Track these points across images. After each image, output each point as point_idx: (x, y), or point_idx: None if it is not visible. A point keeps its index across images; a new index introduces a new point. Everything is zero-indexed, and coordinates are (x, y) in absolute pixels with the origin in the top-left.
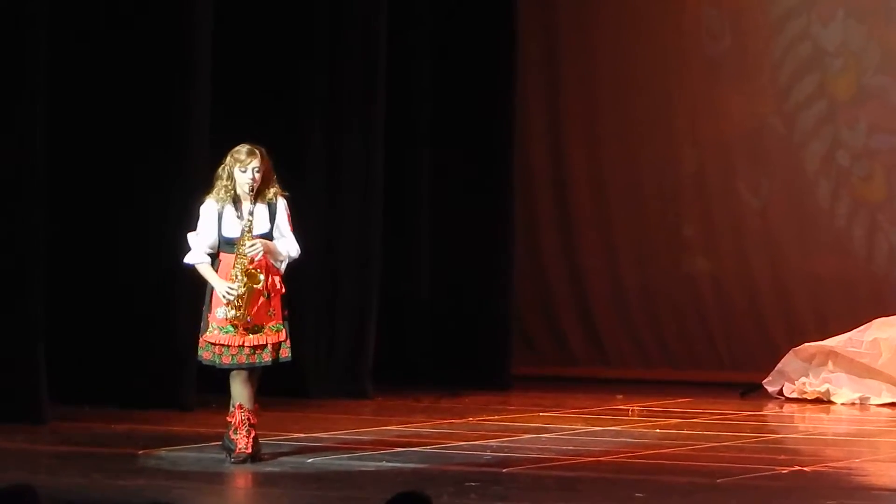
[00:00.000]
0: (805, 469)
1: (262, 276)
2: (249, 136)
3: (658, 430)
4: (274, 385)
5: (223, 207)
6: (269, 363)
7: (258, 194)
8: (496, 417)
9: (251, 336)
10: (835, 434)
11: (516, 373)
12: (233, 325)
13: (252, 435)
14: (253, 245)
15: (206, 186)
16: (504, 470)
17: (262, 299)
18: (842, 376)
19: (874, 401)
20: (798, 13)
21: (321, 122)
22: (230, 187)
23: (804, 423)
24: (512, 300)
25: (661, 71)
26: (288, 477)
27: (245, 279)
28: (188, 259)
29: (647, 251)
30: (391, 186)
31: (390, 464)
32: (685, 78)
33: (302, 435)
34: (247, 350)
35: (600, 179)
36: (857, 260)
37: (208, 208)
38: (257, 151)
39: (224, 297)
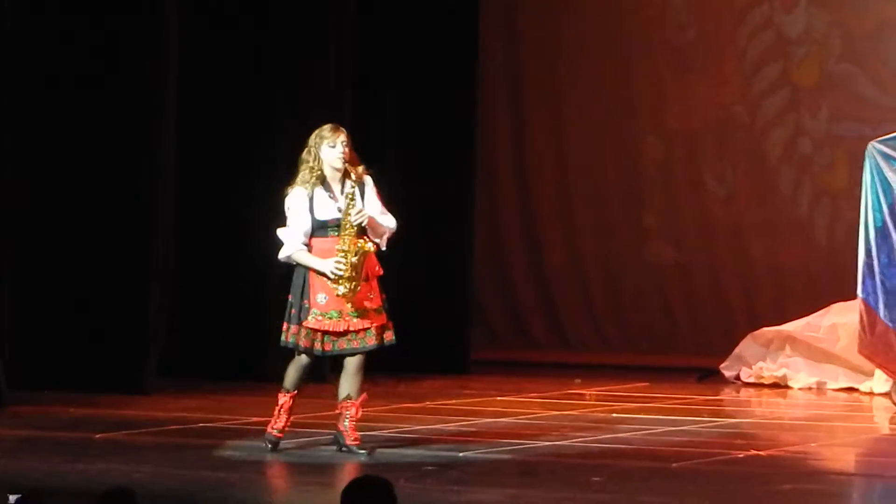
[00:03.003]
0: (761, 453)
1: (370, 244)
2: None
3: (615, 415)
4: (233, 368)
5: (313, 192)
6: (374, 347)
7: (345, 174)
8: (454, 402)
9: (355, 320)
10: (791, 419)
11: (476, 358)
12: (336, 311)
13: (287, 420)
14: (359, 212)
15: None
16: (461, 454)
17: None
18: (799, 361)
19: (831, 385)
20: (761, 1)
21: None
22: (316, 168)
23: (761, 408)
24: (471, 286)
25: (626, 61)
26: (246, 463)
27: (356, 248)
28: (283, 253)
29: (609, 238)
30: None
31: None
32: (650, 67)
33: (262, 419)
34: (349, 336)
35: (564, 168)
36: (819, 247)
37: (298, 196)
38: (341, 128)
39: (333, 273)
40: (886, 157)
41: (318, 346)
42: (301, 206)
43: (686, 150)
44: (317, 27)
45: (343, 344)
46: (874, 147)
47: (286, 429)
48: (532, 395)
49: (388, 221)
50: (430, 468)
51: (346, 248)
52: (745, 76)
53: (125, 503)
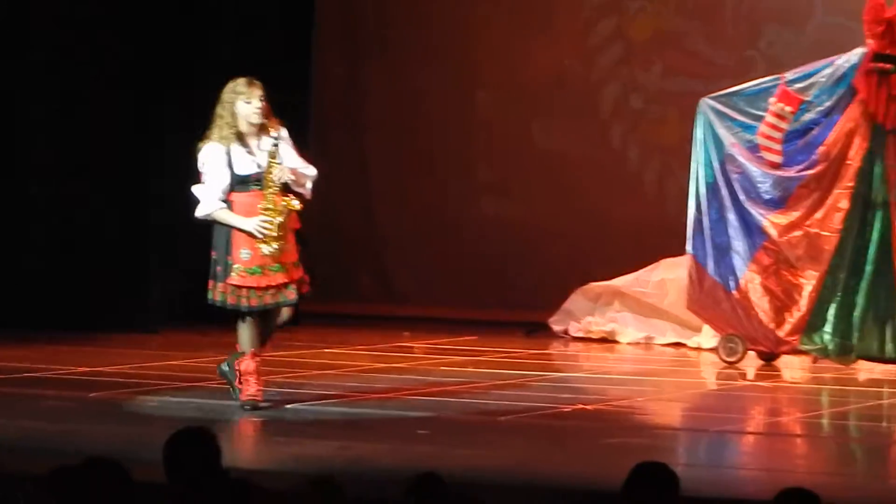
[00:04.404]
0: (588, 408)
1: (296, 201)
2: None
3: (443, 368)
4: (58, 317)
5: (229, 147)
6: (295, 301)
7: (260, 128)
8: (282, 353)
9: (275, 274)
10: (619, 373)
11: (305, 310)
12: (259, 266)
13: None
14: (281, 170)
15: None
16: (288, 406)
17: None
18: (627, 316)
19: (659, 340)
20: None
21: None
22: (232, 123)
23: (589, 363)
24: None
25: (457, 13)
26: (71, 412)
27: (281, 206)
28: (200, 210)
29: (439, 191)
30: None
31: (175, 399)
32: (483, 22)
33: (86, 369)
34: (272, 290)
35: (396, 122)
36: (648, 202)
37: (214, 151)
38: (256, 81)
39: (258, 232)
40: (719, 113)
41: (244, 301)
42: (218, 162)
43: (518, 105)
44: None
45: (268, 298)
46: (706, 103)
47: (261, 392)
48: (360, 347)
49: (309, 170)
50: (255, 420)
51: (270, 206)
52: (579, 31)
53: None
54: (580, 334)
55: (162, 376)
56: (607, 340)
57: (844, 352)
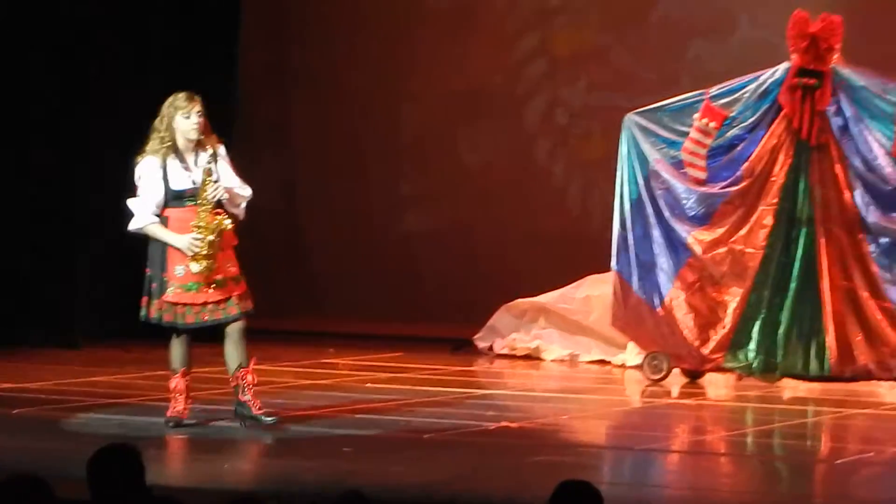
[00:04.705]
0: (512, 425)
1: (228, 221)
2: None
3: (368, 385)
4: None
5: (165, 161)
6: (238, 316)
7: (198, 144)
8: (208, 369)
9: (212, 291)
10: (544, 390)
11: None
12: (195, 283)
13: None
14: (216, 188)
15: None
16: (210, 423)
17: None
18: (553, 333)
19: (584, 358)
20: None
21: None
22: (168, 138)
23: (514, 380)
24: None
25: (383, 26)
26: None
27: (213, 225)
28: (133, 224)
29: (365, 207)
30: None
31: (99, 416)
32: (406, 33)
33: (9, 385)
34: (210, 306)
35: (322, 135)
36: (573, 218)
37: (149, 165)
38: (196, 97)
39: (190, 250)
40: (643, 129)
41: (180, 319)
42: (153, 175)
43: (443, 119)
44: None
45: (205, 315)
46: (631, 119)
47: (187, 411)
48: (284, 364)
49: (245, 191)
50: (178, 437)
51: (203, 224)
52: (504, 45)
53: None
54: (505, 351)
55: (86, 392)
56: (532, 357)
57: (769, 369)
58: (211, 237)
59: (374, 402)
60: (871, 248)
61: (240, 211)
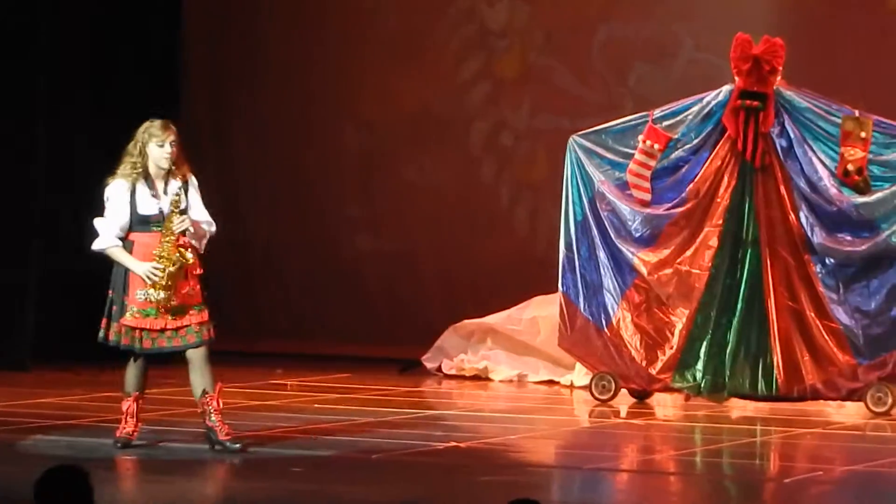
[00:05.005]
0: (461, 445)
1: (190, 254)
2: None
3: (316, 406)
4: None
5: (134, 185)
6: (196, 344)
7: (169, 172)
8: (156, 391)
9: (172, 318)
10: (492, 410)
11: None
12: (154, 308)
13: (138, 424)
14: (182, 220)
15: None
16: (161, 443)
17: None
18: (500, 353)
19: (532, 378)
20: None
21: None
22: (139, 164)
23: (462, 400)
24: None
25: (326, 50)
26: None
27: (175, 257)
28: (97, 244)
29: (310, 229)
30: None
31: (47, 437)
32: (350, 56)
33: None
34: (168, 333)
35: (265, 158)
36: (519, 240)
37: (118, 188)
38: (172, 126)
39: (148, 278)
40: (588, 150)
41: (137, 343)
42: (121, 199)
43: (388, 141)
44: None
45: (163, 342)
46: (575, 141)
47: (136, 432)
48: (233, 385)
49: (211, 227)
50: (127, 457)
51: (164, 254)
52: (448, 67)
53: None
54: (453, 371)
55: (34, 414)
56: (480, 378)
57: (716, 389)
58: (171, 269)
59: (323, 423)
60: (817, 268)
61: (200, 245)
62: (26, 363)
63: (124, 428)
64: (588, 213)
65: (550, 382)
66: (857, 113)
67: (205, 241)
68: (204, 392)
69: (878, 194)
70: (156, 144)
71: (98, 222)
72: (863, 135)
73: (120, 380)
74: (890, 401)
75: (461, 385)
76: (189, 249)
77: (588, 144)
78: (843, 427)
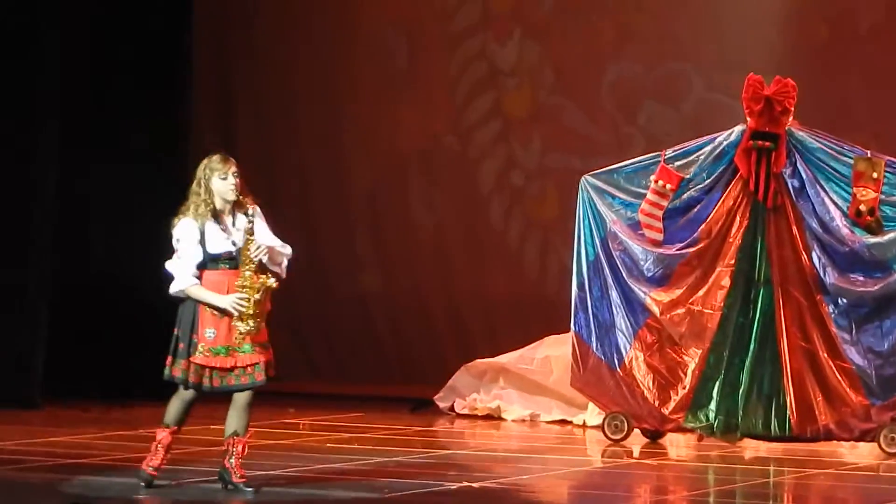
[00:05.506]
0: (474, 485)
1: (272, 279)
2: None
3: (329, 445)
4: None
5: (203, 224)
6: (263, 383)
7: (234, 205)
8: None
9: (243, 356)
10: (505, 450)
11: None
12: (223, 347)
13: (165, 457)
14: (258, 248)
15: None
16: (174, 483)
17: None
18: (512, 393)
19: (545, 417)
20: (474, 32)
21: None
22: (209, 201)
23: (474, 439)
24: None
25: (336, 86)
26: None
27: (257, 285)
28: (175, 286)
29: (318, 266)
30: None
31: (59, 476)
32: (360, 93)
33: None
34: (237, 371)
35: (273, 195)
36: (529, 279)
37: (189, 228)
38: (231, 158)
39: (234, 309)
40: (599, 190)
41: (206, 381)
42: (192, 238)
43: (395, 180)
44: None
45: (231, 380)
46: (587, 180)
47: (163, 466)
48: None
49: (285, 249)
50: (139, 496)
51: (247, 284)
52: (458, 106)
53: None
54: (465, 411)
55: (46, 453)
56: (493, 417)
57: (729, 429)
58: (256, 296)
59: (334, 462)
60: (830, 308)
61: (281, 269)
62: (37, 400)
63: (152, 459)
64: (600, 253)
65: (563, 422)
66: (869, 153)
67: (284, 264)
68: (235, 433)
69: (891, 234)
70: (219, 177)
71: (171, 265)
72: (875, 175)
73: (129, 418)
74: None
75: (473, 424)
76: (269, 275)
77: (600, 184)
78: (856, 468)
